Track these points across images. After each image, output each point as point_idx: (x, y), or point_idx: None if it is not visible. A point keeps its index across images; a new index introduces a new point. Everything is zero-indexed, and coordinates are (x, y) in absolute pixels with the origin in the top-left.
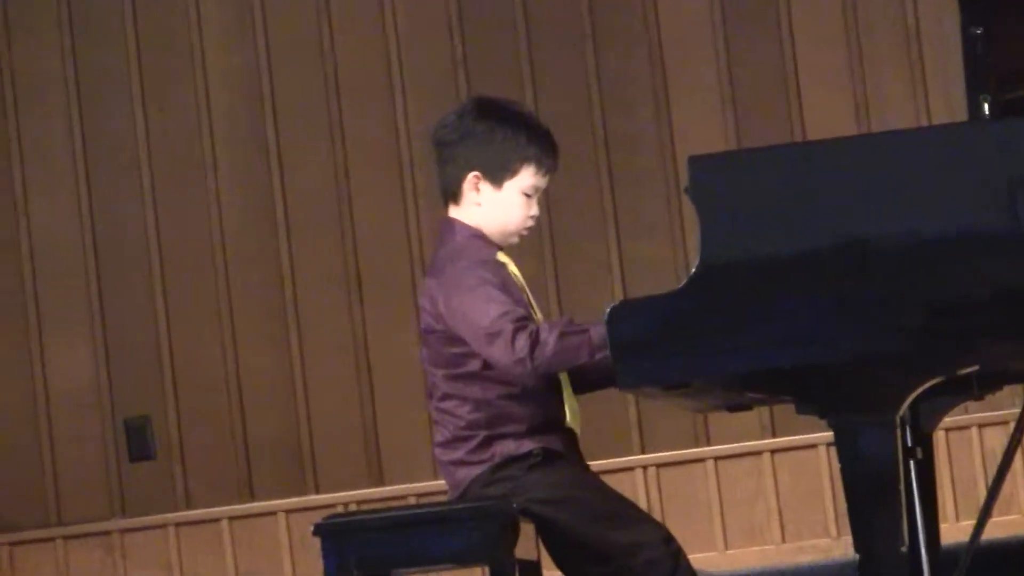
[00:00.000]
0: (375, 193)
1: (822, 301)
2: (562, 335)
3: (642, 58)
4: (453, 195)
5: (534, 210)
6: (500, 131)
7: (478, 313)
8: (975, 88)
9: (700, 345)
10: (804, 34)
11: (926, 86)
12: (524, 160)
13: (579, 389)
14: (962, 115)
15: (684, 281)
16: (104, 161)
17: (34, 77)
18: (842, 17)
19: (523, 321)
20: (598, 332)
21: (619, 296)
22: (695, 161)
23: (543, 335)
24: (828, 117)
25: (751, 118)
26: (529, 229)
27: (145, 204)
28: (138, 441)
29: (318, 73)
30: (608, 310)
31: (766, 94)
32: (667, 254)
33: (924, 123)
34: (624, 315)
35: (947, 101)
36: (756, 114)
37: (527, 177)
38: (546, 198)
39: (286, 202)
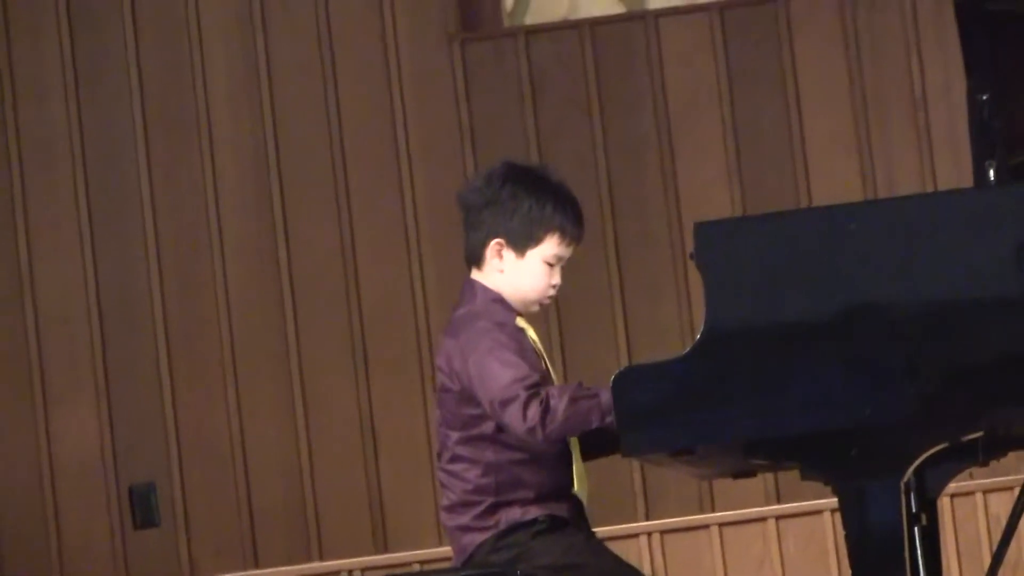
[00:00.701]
0: (382, 263)
1: (828, 368)
2: (573, 400)
3: (648, 123)
4: (476, 259)
5: (556, 279)
6: (527, 199)
7: (492, 377)
8: (981, 154)
9: (705, 411)
10: (811, 100)
11: (932, 152)
12: (549, 230)
13: (587, 455)
14: (968, 181)
15: (690, 347)
16: (110, 227)
17: (41, 141)
18: (849, 83)
19: (536, 388)
20: (608, 397)
21: (625, 361)
22: (701, 227)
23: (553, 401)
24: (835, 183)
25: (757, 184)
26: (551, 298)
27: (151, 272)
28: (143, 508)
29: (325, 142)
30: (613, 376)
31: (773, 160)
32: (673, 319)
33: (931, 188)
34: (629, 381)
35: (955, 167)
36: (763, 180)
37: (551, 247)
38: None
39: (292, 271)
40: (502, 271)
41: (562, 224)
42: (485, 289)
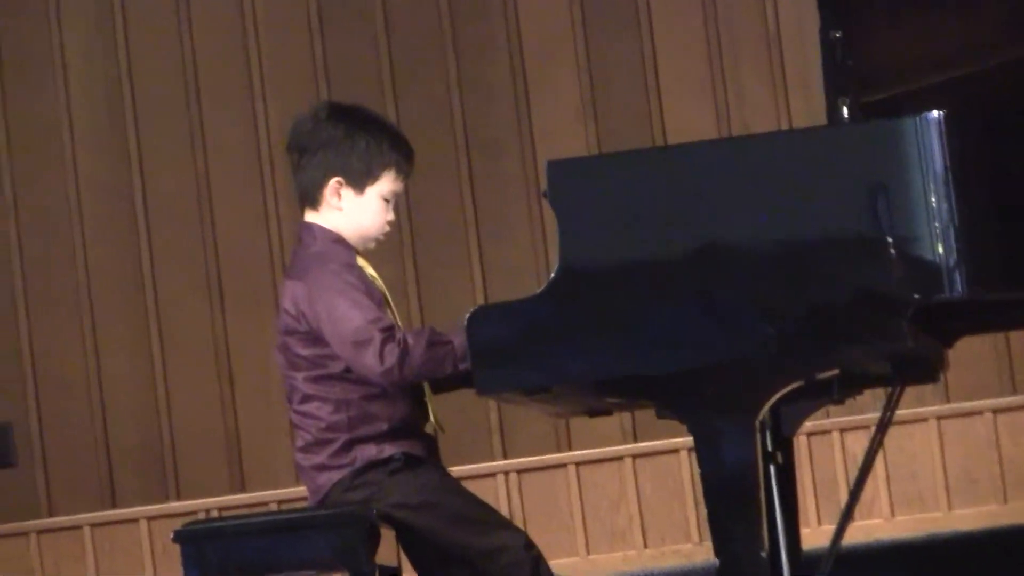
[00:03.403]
0: (236, 198)
1: (680, 306)
2: (429, 345)
3: (503, 63)
4: (312, 200)
5: (391, 215)
6: (361, 137)
7: (345, 319)
8: (834, 92)
9: (559, 350)
10: (665, 38)
11: (787, 90)
12: (386, 166)
13: (437, 390)
14: (822, 119)
15: (544, 286)
16: None
17: None
18: (703, 21)
19: (390, 331)
20: (461, 342)
21: (479, 301)
22: (554, 165)
23: (411, 344)
24: (689, 121)
25: (612, 123)
26: (385, 234)
27: (6, 207)
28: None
29: (179, 77)
30: (467, 315)
31: (627, 99)
32: (528, 259)
33: (785, 127)
34: (483, 320)
35: (808, 105)
36: (617, 119)
37: (388, 183)
38: (407, 202)
39: (147, 207)
40: (341, 209)
41: (398, 159)
42: (323, 230)
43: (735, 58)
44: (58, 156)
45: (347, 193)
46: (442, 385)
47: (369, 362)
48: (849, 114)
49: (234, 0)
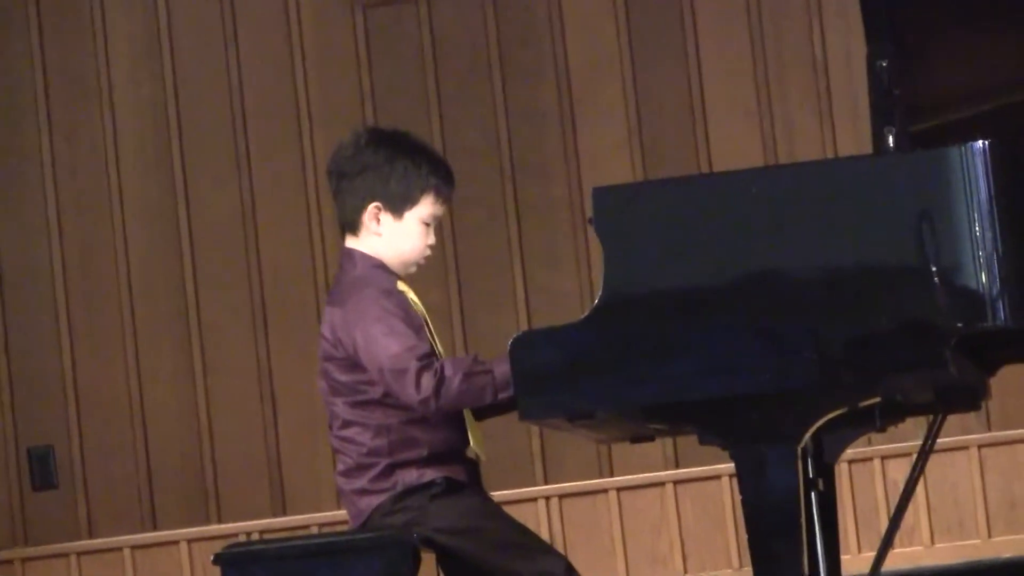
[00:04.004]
0: (281, 225)
1: (723, 333)
2: (467, 376)
3: (549, 89)
4: (352, 226)
5: (431, 239)
6: (400, 161)
7: (382, 347)
8: (881, 120)
9: (602, 376)
10: (712, 65)
11: (833, 118)
12: (424, 190)
13: (480, 415)
14: (868, 147)
15: (588, 312)
16: (10, 191)
17: None
18: (750, 49)
19: (427, 359)
20: (502, 372)
21: (524, 326)
22: (600, 192)
23: (448, 374)
24: (735, 149)
25: (658, 150)
26: (426, 258)
27: (51, 233)
28: (41, 470)
29: (225, 104)
30: (511, 340)
31: (673, 126)
32: (572, 285)
33: (831, 155)
34: (527, 345)
35: (855, 133)
36: (663, 146)
37: (427, 206)
38: (452, 228)
39: (192, 233)
40: (380, 235)
41: (437, 183)
42: (364, 256)
43: (782, 86)
44: (103, 182)
45: (386, 218)
46: (485, 412)
47: (406, 391)
48: (895, 143)
49: (281, 27)
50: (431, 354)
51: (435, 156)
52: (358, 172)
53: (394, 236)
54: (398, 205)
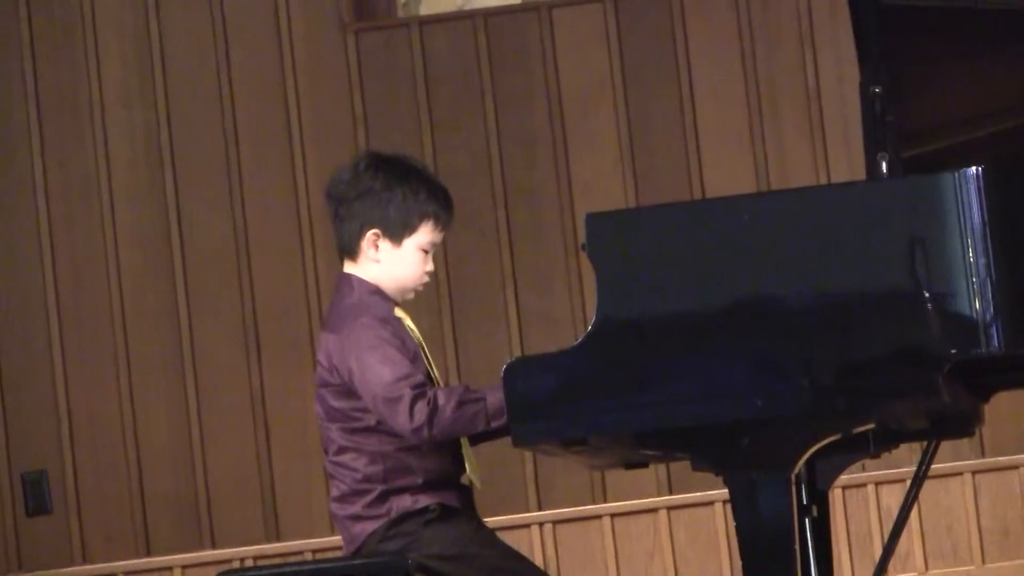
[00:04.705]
0: (273, 249)
1: (717, 359)
2: (460, 404)
3: (542, 114)
4: (350, 251)
5: (430, 265)
6: (399, 188)
7: (376, 375)
8: (873, 146)
9: (596, 403)
10: (704, 92)
11: (826, 145)
12: (423, 217)
13: (474, 441)
14: (861, 173)
15: (581, 338)
16: (2, 214)
17: None
18: (742, 75)
19: (421, 388)
20: (495, 400)
21: (516, 352)
22: (593, 218)
23: (440, 403)
24: (728, 174)
25: (650, 175)
26: (424, 284)
27: (43, 258)
28: (35, 495)
29: (218, 130)
30: (504, 367)
31: (666, 152)
32: (564, 309)
33: (824, 181)
34: (520, 371)
35: (848, 160)
36: (656, 171)
37: (426, 233)
38: (445, 253)
39: (184, 257)
40: (378, 261)
41: (436, 211)
42: (362, 282)
43: (775, 111)
44: (96, 206)
45: (384, 245)
46: (480, 436)
47: (399, 420)
48: (888, 169)
49: (273, 50)
50: (425, 383)
51: (434, 183)
52: (356, 198)
53: (392, 263)
54: (396, 232)
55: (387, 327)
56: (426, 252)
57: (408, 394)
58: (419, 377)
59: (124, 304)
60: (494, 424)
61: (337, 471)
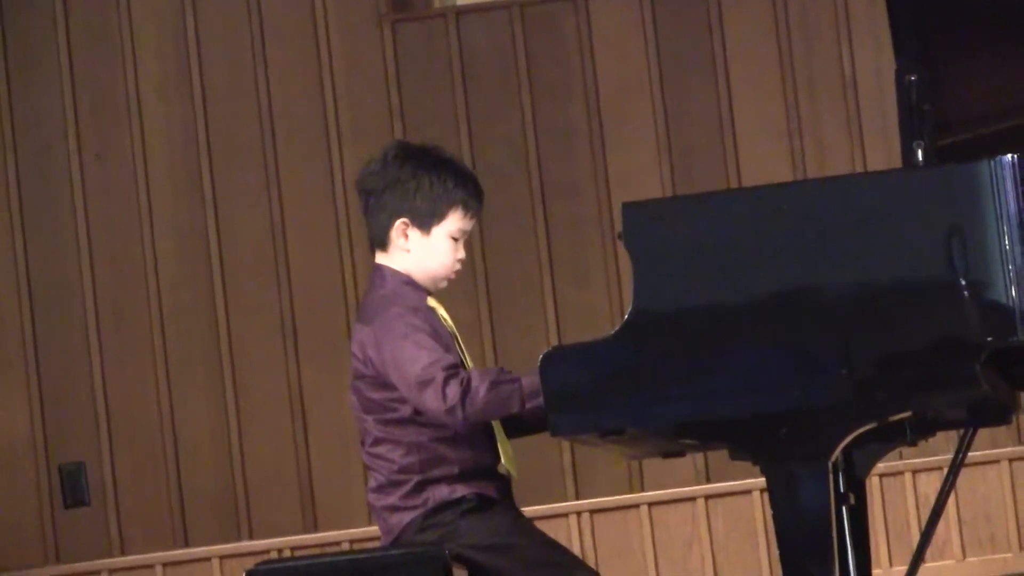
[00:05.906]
0: (311, 243)
1: (756, 350)
2: (493, 384)
3: (579, 106)
4: (381, 242)
5: (461, 253)
6: (427, 177)
7: (409, 361)
8: (910, 135)
9: (633, 393)
10: (741, 82)
11: (863, 135)
12: (452, 204)
13: (512, 434)
14: (898, 162)
15: (617, 328)
16: (40, 209)
17: None
18: (779, 65)
19: (453, 369)
20: (530, 382)
21: (554, 343)
22: (629, 208)
23: (474, 383)
24: (765, 166)
25: (688, 168)
26: (456, 272)
27: (81, 254)
28: (73, 488)
29: (255, 124)
30: (541, 356)
31: (703, 143)
32: (602, 302)
33: (860, 171)
34: (557, 361)
35: (885, 150)
36: (693, 164)
37: (455, 221)
38: (482, 245)
39: (222, 251)
40: (408, 251)
41: (464, 198)
42: (394, 272)
43: (812, 103)
44: (133, 202)
45: (413, 234)
46: (517, 429)
47: (432, 402)
48: (925, 158)
49: (310, 44)
50: (457, 365)
51: (462, 169)
52: (384, 188)
53: (422, 252)
54: (425, 220)
55: (418, 315)
56: (456, 240)
57: (440, 375)
58: (451, 359)
59: (162, 297)
60: (530, 404)
61: (374, 462)
